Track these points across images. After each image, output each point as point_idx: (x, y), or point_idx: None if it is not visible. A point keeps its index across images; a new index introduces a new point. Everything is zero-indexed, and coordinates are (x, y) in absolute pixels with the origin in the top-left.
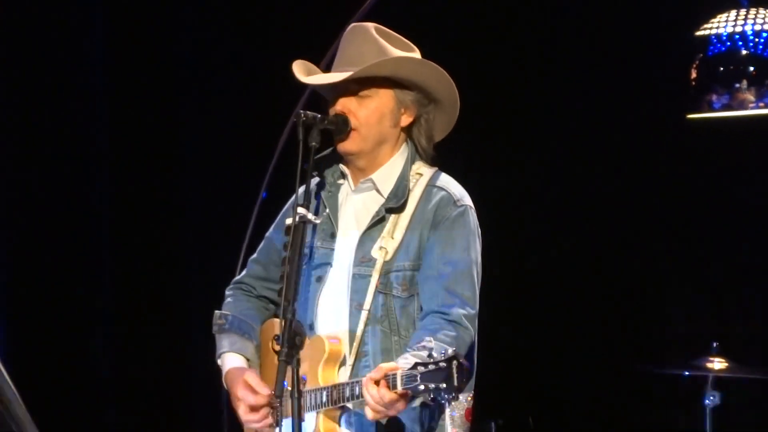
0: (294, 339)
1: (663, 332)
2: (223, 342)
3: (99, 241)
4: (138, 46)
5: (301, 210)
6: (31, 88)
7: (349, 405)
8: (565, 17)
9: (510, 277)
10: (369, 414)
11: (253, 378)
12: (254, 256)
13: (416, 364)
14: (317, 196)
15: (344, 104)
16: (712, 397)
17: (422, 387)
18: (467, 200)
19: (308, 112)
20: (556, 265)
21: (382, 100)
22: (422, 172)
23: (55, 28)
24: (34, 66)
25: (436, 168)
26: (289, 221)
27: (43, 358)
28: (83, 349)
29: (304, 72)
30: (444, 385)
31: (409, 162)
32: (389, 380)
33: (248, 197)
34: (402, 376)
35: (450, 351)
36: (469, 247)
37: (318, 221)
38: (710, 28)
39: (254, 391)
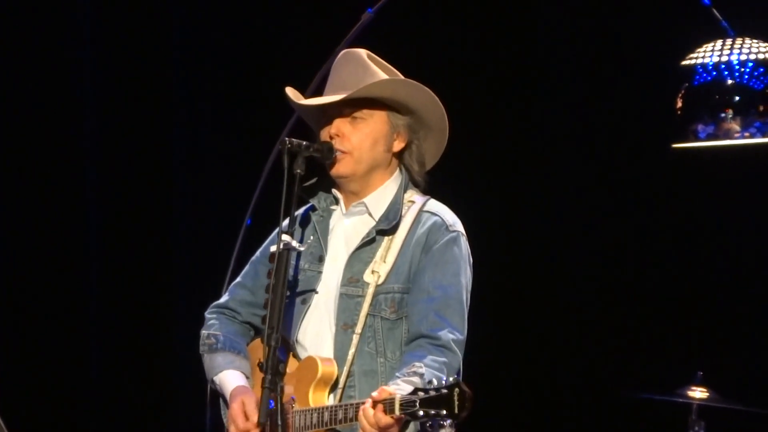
0: (278, 366)
1: (649, 361)
2: (219, 360)
3: (86, 256)
4: (129, 61)
5: (285, 237)
6: (20, 88)
7: (339, 428)
8: (553, 45)
9: (499, 300)
10: None
11: (249, 403)
12: (239, 280)
13: (416, 390)
14: (308, 220)
15: (338, 127)
16: (696, 427)
17: (421, 412)
18: (459, 227)
19: (293, 140)
20: (544, 289)
21: (375, 123)
22: (414, 199)
23: (42, 28)
24: (23, 65)
25: (429, 196)
26: (273, 248)
27: (30, 362)
28: (70, 358)
29: (297, 97)
30: (444, 411)
31: (403, 188)
32: (386, 405)
33: (233, 223)
34: (401, 401)
35: (452, 379)
36: (459, 272)
37: (302, 249)
38: (696, 58)
39: (245, 417)
